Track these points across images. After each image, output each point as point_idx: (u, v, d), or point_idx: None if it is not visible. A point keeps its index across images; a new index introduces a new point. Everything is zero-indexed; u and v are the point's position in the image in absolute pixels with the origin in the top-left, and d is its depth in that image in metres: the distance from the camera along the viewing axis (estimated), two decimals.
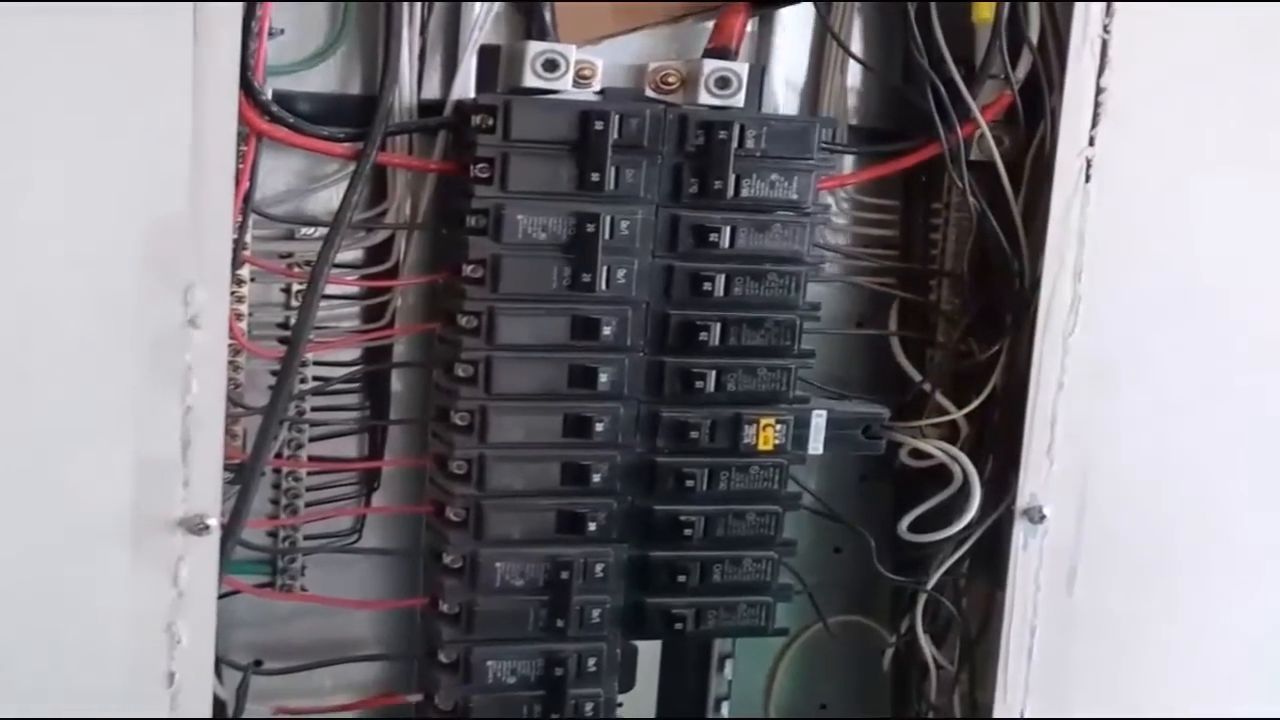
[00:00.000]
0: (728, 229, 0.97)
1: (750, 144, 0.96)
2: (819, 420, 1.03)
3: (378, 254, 1.01)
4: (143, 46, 0.82)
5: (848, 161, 1.09)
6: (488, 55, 0.98)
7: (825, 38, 1.07)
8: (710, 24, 1.01)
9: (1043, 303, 1.01)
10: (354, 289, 1.01)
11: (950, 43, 1.01)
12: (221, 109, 0.84)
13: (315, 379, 1.01)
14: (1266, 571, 1.09)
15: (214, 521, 0.88)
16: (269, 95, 0.91)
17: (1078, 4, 0.98)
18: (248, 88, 0.87)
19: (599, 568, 0.98)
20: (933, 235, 1.10)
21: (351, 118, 0.95)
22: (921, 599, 1.10)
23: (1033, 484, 1.04)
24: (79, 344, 0.84)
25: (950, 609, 1.11)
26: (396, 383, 1.03)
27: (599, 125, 0.92)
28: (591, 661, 1.00)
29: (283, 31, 0.93)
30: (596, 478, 0.97)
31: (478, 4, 0.96)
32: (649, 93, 1.01)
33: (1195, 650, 1.11)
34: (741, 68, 0.99)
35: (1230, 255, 1.05)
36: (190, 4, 0.82)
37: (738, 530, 1.01)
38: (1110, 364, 1.03)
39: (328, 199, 0.99)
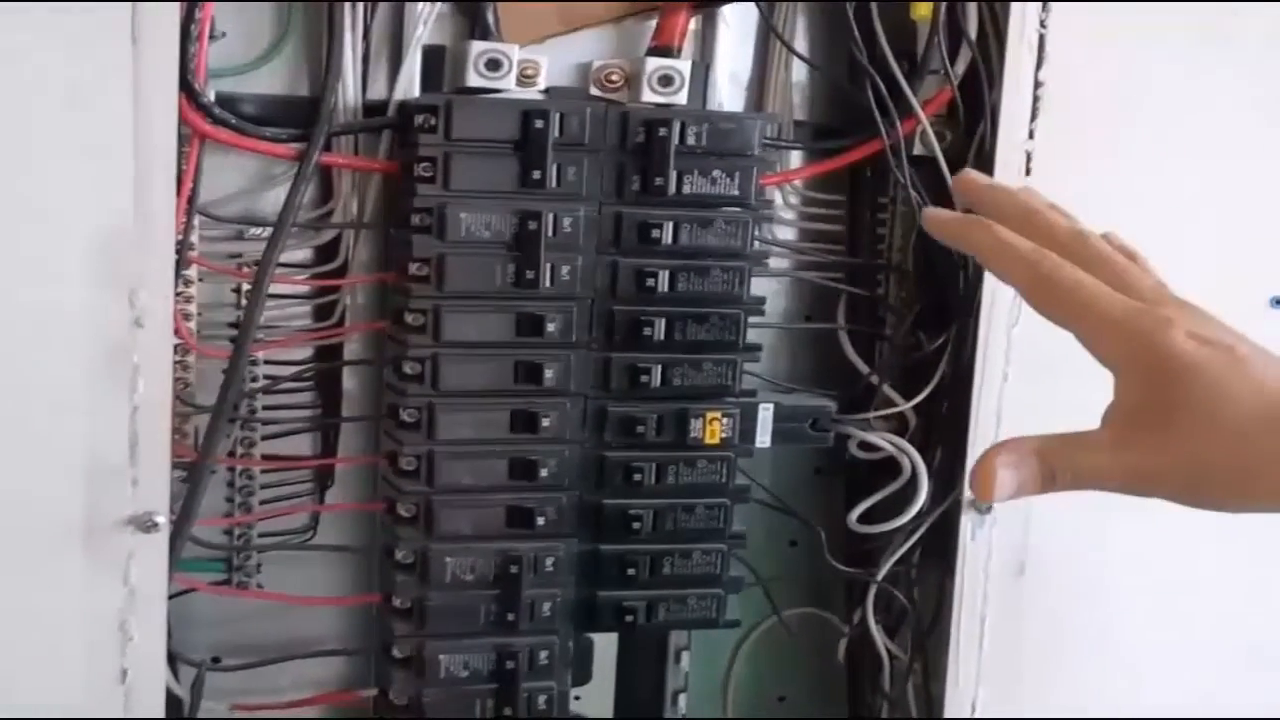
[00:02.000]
0: (670, 225, 0.97)
1: (691, 141, 0.96)
2: (766, 413, 1.03)
3: (326, 253, 1.01)
4: (81, 48, 0.83)
5: (794, 157, 1.09)
6: (433, 56, 0.99)
7: (770, 34, 1.08)
8: (654, 22, 1.02)
9: (986, 294, 1.02)
10: (304, 288, 1.01)
11: (893, 39, 1.02)
12: (162, 111, 0.85)
13: (266, 378, 1.01)
14: (1211, 557, 1.10)
15: (163, 519, 0.89)
16: (212, 97, 0.92)
17: (1014, 1, 0.99)
18: (189, 90, 0.88)
19: (549, 562, 0.99)
20: (880, 230, 1.11)
21: (300, 119, 0.96)
22: (872, 590, 1.10)
23: None
24: (24, 346, 0.85)
25: (902, 600, 1.11)
26: (348, 381, 1.04)
27: (539, 124, 0.93)
28: (543, 655, 1.00)
29: (224, 34, 0.94)
30: (544, 473, 0.97)
31: (420, 4, 0.97)
32: (594, 91, 1.01)
33: (1142, 639, 1.12)
34: (684, 65, 0.99)
35: (1168, 245, 1.05)
36: (129, 6, 0.83)
37: (687, 523, 1.01)
38: (1053, 355, 1.03)
39: (277, 199, 0.98)
